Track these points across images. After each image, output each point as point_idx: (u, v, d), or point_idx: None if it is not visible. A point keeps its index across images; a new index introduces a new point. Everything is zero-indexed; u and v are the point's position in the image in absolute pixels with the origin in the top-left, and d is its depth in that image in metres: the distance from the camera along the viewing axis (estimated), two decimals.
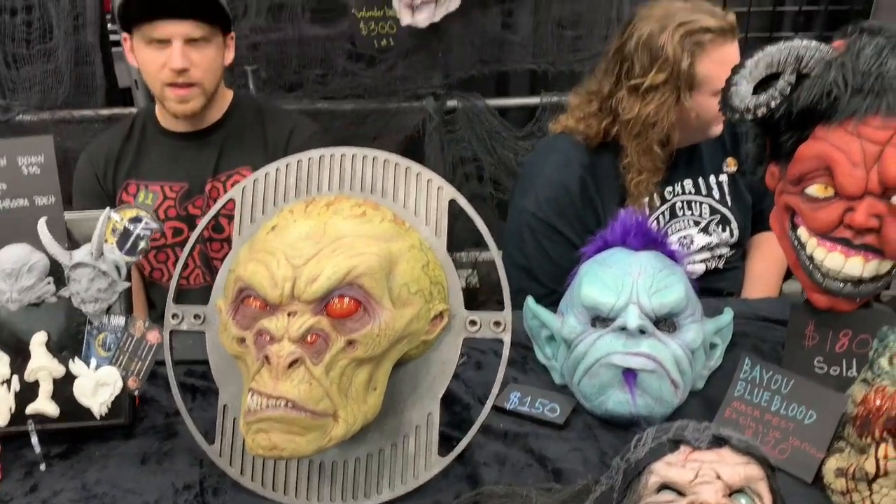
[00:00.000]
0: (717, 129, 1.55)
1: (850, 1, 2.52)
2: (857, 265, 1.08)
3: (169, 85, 1.56)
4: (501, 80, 2.41)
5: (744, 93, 1.14)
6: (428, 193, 1.06)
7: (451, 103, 2.24)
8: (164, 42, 1.53)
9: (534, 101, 2.27)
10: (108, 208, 1.07)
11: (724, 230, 1.63)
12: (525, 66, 2.24)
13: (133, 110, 2.19)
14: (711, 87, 1.45)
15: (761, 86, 1.14)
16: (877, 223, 1.04)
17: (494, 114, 2.25)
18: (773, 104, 1.11)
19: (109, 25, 2.37)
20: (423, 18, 1.92)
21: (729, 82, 1.16)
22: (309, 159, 1.09)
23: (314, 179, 1.08)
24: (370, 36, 2.14)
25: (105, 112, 2.18)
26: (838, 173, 1.05)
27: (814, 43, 1.11)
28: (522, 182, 1.62)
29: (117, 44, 2.36)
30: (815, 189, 1.09)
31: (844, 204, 1.06)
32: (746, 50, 1.18)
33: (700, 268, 1.64)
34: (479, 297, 2.43)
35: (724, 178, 1.65)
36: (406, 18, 1.93)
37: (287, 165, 1.09)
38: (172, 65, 1.53)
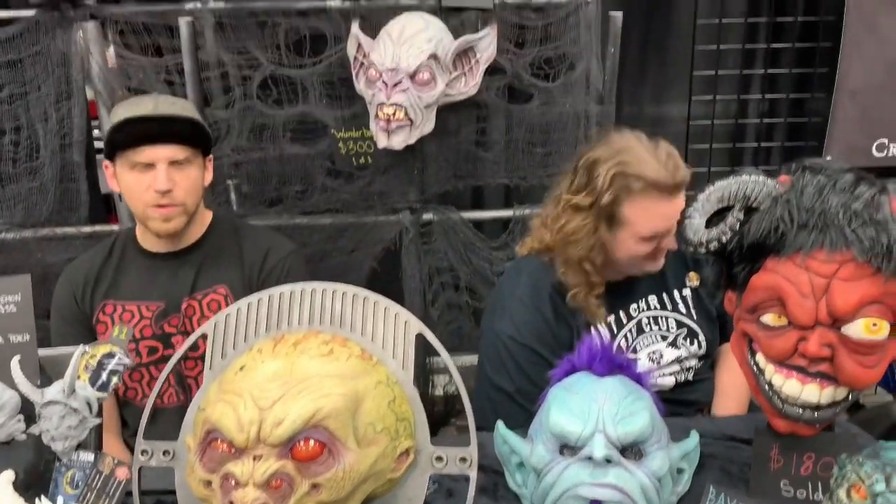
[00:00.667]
0: (654, 266, 1.57)
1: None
2: (813, 392, 1.11)
3: (153, 206, 1.61)
4: (477, 193, 2.50)
5: (697, 226, 1.20)
6: (395, 327, 1.09)
7: (427, 216, 2.30)
8: (149, 165, 1.59)
9: (507, 213, 2.34)
10: (81, 346, 1.09)
11: (691, 343, 1.66)
12: (498, 180, 2.33)
13: (115, 227, 2.24)
14: (635, 232, 1.50)
15: (715, 217, 1.21)
16: (829, 353, 1.08)
17: (469, 226, 2.32)
18: (724, 238, 1.17)
19: (96, 132, 2.45)
20: (398, 141, 2.00)
21: (684, 214, 1.23)
22: (280, 294, 1.12)
23: (285, 314, 1.11)
24: (349, 154, 2.23)
25: (87, 229, 2.22)
26: (790, 304, 1.09)
27: (761, 178, 1.18)
28: (496, 305, 1.65)
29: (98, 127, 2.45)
30: (769, 318, 1.13)
31: (798, 333, 1.11)
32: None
33: (670, 381, 1.66)
34: (458, 405, 2.42)
35: (687, 292, 1.69)
36: (382, 141, 2.01)
37: (258, 300, 1.12)
38: (157, 186, 1.58)
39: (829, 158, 2.61)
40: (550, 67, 2.31)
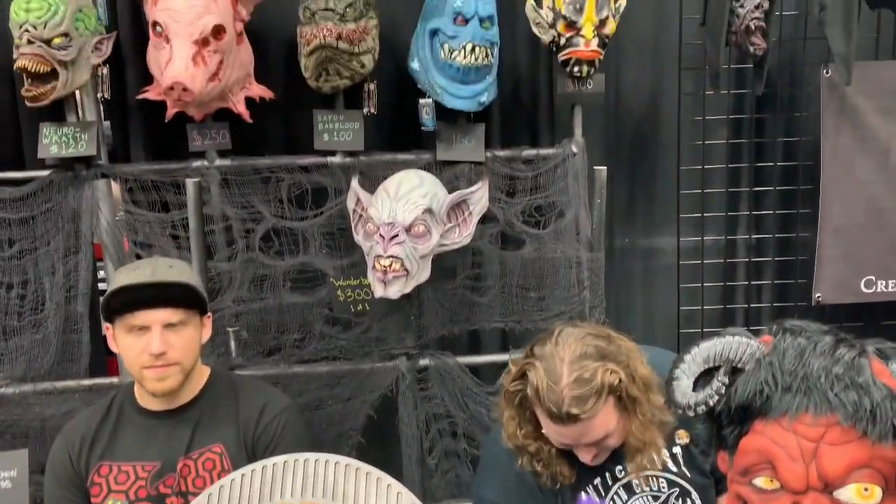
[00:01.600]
0: (584, 456, 1.53)
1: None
2: None
3: (147, 367, 1.64)
4: (473, 338, 2.53)
5: (684, 388, 1.22)
6: (387, 499, 1.10)
7: (424, 362, 2.33)
8: (144, 328, 1.63)
9: (503, 357, 2.37)
10: None
11: (684, 502, 1.64)
12: (493, 324, 2.37)
13: (114, 380, 2.25)
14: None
15: (702, 378, 1.23)
16: None
17: (465, 371, 2.34)
18: (711, 402, 1.18)
19: (101, 273, 2.50)
20: (394, 291, 2.06)
21: (671, 376, 1.25)
22: (273, 465, 1.13)
23: (278, 484, 1.12)
24: (347, 302, 2.28)
25: (87, 382, 2.24)
26: (780, 469, 1.10)
27: (745, 339, 1.21)
28: (482, 472, 1.65)
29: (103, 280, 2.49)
30: (761, 481, 1.13)
31: (791, 497, 1.10)
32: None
33: None
34: None
35: (678, 449, 1.67)
36: (379, 291, 2.07)
37: (252, 471, 1.13)
38: (152, 350, 1.62)
39: (818, 295, 2.67)
40: (541, 215, 2.42)
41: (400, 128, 2.52)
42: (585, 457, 1.52)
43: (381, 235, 2.06)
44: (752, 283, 2.82)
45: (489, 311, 2.36)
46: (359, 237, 2.19)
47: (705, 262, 2.75)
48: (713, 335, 1.24)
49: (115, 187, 2.35)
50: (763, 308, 2.83)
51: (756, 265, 2.83)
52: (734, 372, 1.19)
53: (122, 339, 1.66)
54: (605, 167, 2.31)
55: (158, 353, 1.61)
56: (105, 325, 1.71)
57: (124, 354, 1.67)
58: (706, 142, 2.66)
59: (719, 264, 2.79)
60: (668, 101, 2.70)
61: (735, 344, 1.20)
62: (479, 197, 2.21)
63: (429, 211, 2.09)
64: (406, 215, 2.06)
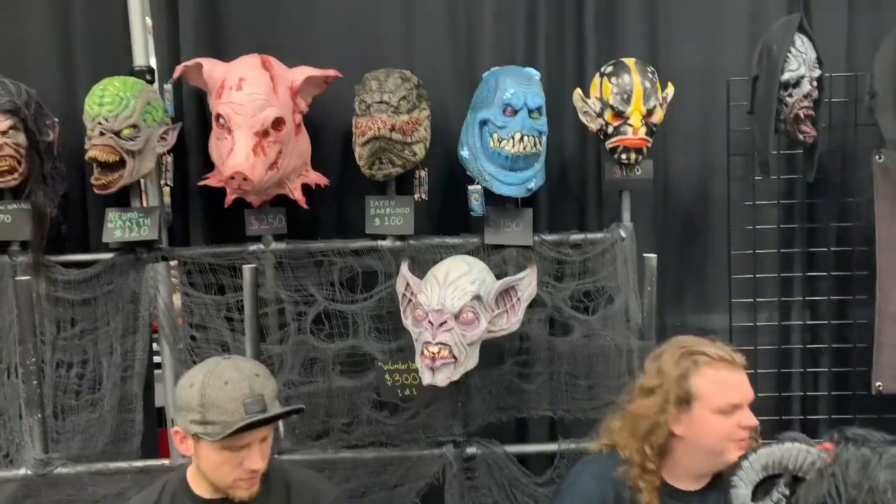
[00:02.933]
0: (730, 455, 1.52)
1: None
2: None
3: (241, 479, 1.62)
4: (521, 426, 2.50)
5: (743, 497, 1.19)
6: None
7: (471, 450, 2.30)
8: (244, 446, 1.60)
9: (552, 447, 2.33)
10: None
11: None
12: (542, 413, 2.34)
13: (165, 462, 2.28)
14: (709, 405, 1.58)
15: (761, 486, 1.20)
16: None
17: (514, 461, 2.30)
18: None
19: (154, 346, 2.55)
20: (442, 378, 2.05)
21: (729, 484, 1.23)
22: None
23: None
24: (395, 386, 2.29)
25: (139, 464, 2.26)
26: None
27: (805, 446, 1.18)
28: (560, 491, 1.75)
29: (158, 366, 2.57)
30: None
31: None
32: None
33: None
34: None
35: None
36: (427, 378, 2.07)
37: None
38: (253, 467, 1.60)
39: (878, 384, 2.56)
40: (590, 301, 2.41)
41: (449, 213, 2.57)
42: (742, 436, 1.52)
43: (429, 322, 2.07)
44: (808, 370, 2.74)
45: (537, 399, 2.34)
46: (408, 322, 2.21)
47: (759, 347, 2.69)
48: (771, 441, 1.21)
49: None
50: (820, 396, 2.74)
51: (811, 352, 2.75)
52: (794, 481, 1.16)
53: (213, 455, 1.59)
54: (654, 255, 2.30)
55: (259, 469, 1.62)
56: (174, 430, 1.65)
57: (213, 468, 1.61)
58: (757, 226, 2.64)
59: (773, 350, 2.73)
60: (718, 185, 2.70)
61: (795, 451, 1.18)
62: (527, 283, 2.22)
63: (477, 298, 2.11)
64: (455, 302, 2.07)
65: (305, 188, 2.43)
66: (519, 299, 2.21)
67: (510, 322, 2.20)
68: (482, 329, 2.11)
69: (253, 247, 2.41)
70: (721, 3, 2.68)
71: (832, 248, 2.68)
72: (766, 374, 2.69)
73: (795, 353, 2.76)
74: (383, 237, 2.42)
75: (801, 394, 2.75)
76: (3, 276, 2.31)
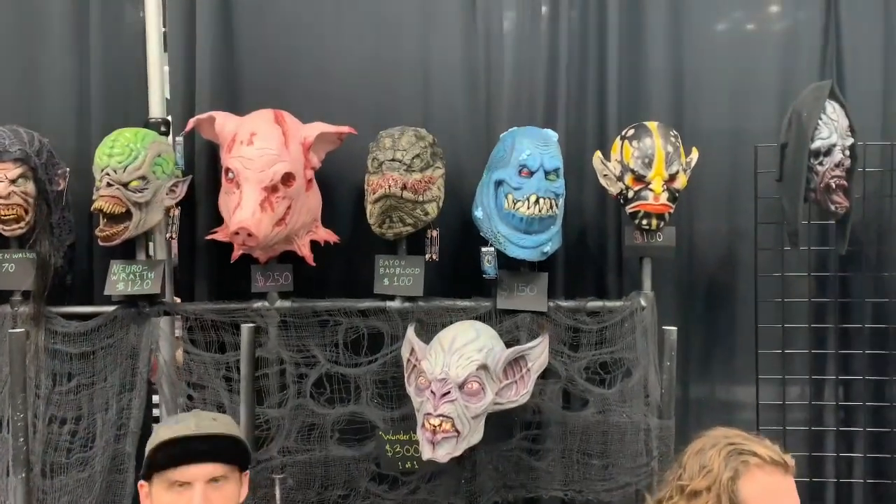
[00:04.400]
0: None
1: None
2: None
3: None
4: None
5: None
6: None
7: None
8: (186, 484, 1.57)
9: None
10: None
11: None
12: (552, 493, 2.20)
13: None
14: None
15: None
16: None
17: None
18: None
19: (155, 398, 2.46)
20: (443, 454, 1.93)
21: None
22: None
23: None
24: (395, 458, 2.17)
25: None
26: None
27: None
28: None
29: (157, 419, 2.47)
30: None
31: None
32: None
33: None
34: None
35: None
36: (427, 452, 1.95)
37: None
38: None
39: None
40: (606, 373, 2.29)
41: (461, 274, 2.48)
42: None
43: (432, 391, 1.97)
44: (842, 454, 2.56)
45: (548, 478, 2.20)
46: (411, 389, 2.11)
47: (788, 427, 2.52)
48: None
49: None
50: (855, 484, 2.55)
51: (845, 435, 2.58)
52: None
53: (162, 496, 1.58)
54: (675, 328, 2.18)
55: None
56: (140, 484, 1.65)
57: None
58: (786, 299, 2.51)
59: (804, 431, 2.56)
60: (745, 255, 2.59)
61: None
62: (538, 353, 2.11)
63: (484, 367, 2.00)
64: (459, 371, 1.97)
65: (315, 245, 2.36)
66: (529, 370, 2.10)
67: (519, 394, 2.09)
68: (488, 401, 2.00)
69: (257, 304, 2.34)
70: (749, 66, 2.62)
71: (867, 325, 2.53)
72: (797, 456, 2.51)
73: (829, 436, 2.59)
74: (392, 298, 2.33)
75: (835, 480, 2.56)
76: (4, 326, 2.26)
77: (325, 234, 2.39)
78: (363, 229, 2.32)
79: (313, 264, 2.34)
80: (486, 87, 2.56)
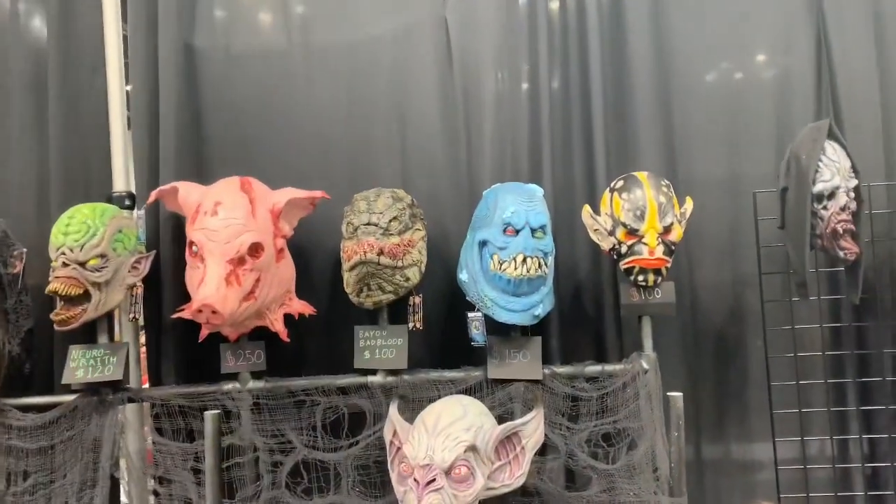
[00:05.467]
0: None
1: None
2: None
3: None
4: None
5: None
6: None
7: None
8: None
9: None
10: None
11: None
12: None
13: None
14: None
15: None
16: None
17: None
18: None
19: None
20: None
21: None
22: None
23: None
24: None
25: None
26: None
27: None
28: None
29: None
30: None
31: None
32: None
33: None
34: None
35: None
36: None
37: None
38: None
39: None
40: (610, 445, 2.10)
41: (448, 343, 2.32)
42: None
43: (415, 480, 1.77)
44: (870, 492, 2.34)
45: None
46: (393, 477, 1.91)
47: (811, 494, 2.31)
48: None
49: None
50: None
51: (874, 500, 2.36)
52: None
53: None
54: (680, 394, 2.00)
55: None
56: None
57: None
58: (799, 354, 2.33)
59: (829, 498, 2.34)
60: (752, 307, 2.43)
61: None
62: (532, 429, 1.92)
63: (472, 449, 1.81)
64: (445, 455, 1.78)
65: (289, 319, 2.20)
66: (523, 448, 1.91)
67: (513, 476, 1.89)
68: (479, 486, 1.80)
69: (228, 386, 2.17)
70: (741, 112, 2.51)
71: (888, 378, 2.34)
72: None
73: (858, 501, 2.38)
74: (374, 372, 2.16)
75: None
76: None
77: (300, 307, 2.23)
78: (342, 299, 2.17)
79: (287, 340, 2.17)
80: (466, 140, 2.45)
